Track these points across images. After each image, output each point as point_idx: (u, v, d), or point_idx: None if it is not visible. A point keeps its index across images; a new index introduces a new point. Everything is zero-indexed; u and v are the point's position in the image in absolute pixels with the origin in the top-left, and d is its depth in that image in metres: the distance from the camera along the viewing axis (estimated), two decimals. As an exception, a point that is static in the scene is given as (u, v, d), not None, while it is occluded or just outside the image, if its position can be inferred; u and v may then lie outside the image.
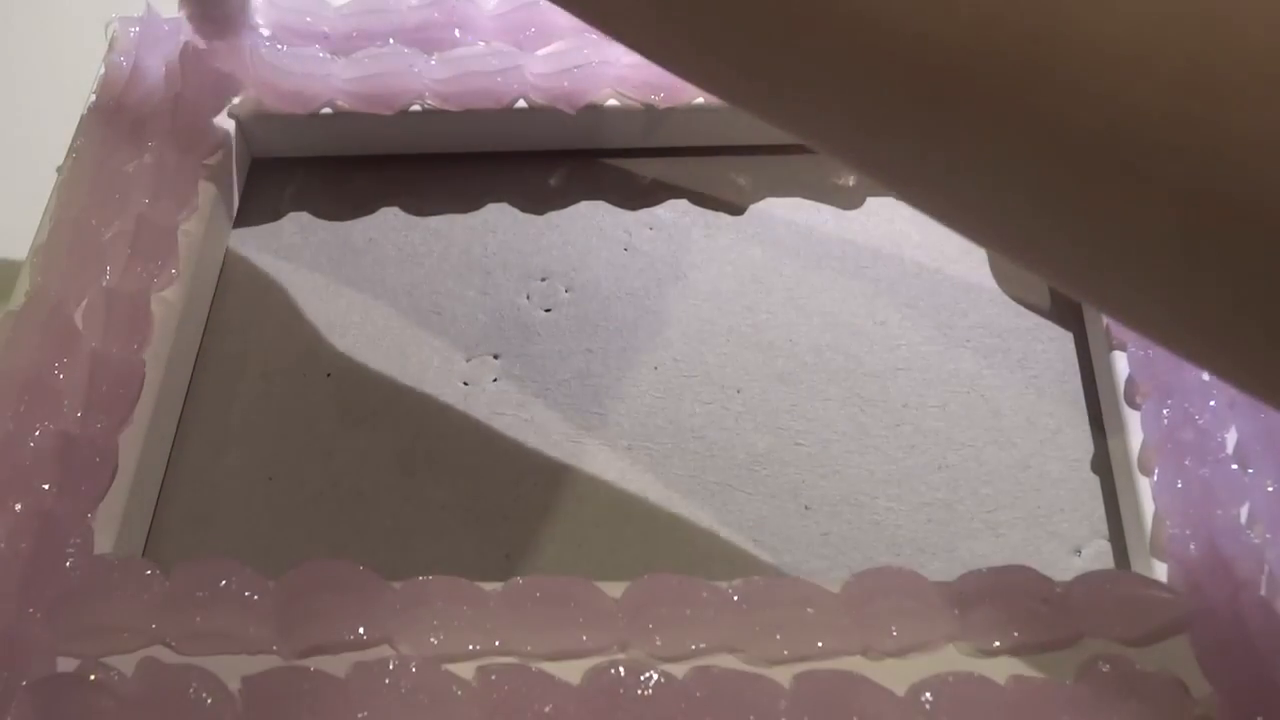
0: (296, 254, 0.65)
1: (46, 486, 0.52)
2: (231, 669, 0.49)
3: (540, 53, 0.65)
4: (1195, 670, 0.46)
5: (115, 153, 0.63)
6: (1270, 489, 0.49)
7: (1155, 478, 0.51)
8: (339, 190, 0.67)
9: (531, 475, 0.57)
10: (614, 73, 0.64)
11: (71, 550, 0.50)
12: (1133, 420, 0.53)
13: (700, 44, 0.34)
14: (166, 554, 0.55)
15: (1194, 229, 0.27)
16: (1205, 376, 0.52)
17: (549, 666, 0.47)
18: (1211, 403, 0.51)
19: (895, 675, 0.47)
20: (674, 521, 0.55)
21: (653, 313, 0.61)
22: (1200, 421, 0.51)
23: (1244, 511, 0.49)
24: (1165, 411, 0.51)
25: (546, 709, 0.46)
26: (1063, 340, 0.59)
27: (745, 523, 0.55)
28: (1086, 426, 0.56)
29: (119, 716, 0.46)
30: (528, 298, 0.62)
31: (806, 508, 0.55)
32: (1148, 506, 0.51)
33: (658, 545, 0.54)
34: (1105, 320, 0.55)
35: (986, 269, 0.61)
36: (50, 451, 0.53)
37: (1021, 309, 0.60)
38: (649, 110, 0.64)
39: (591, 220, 0.65)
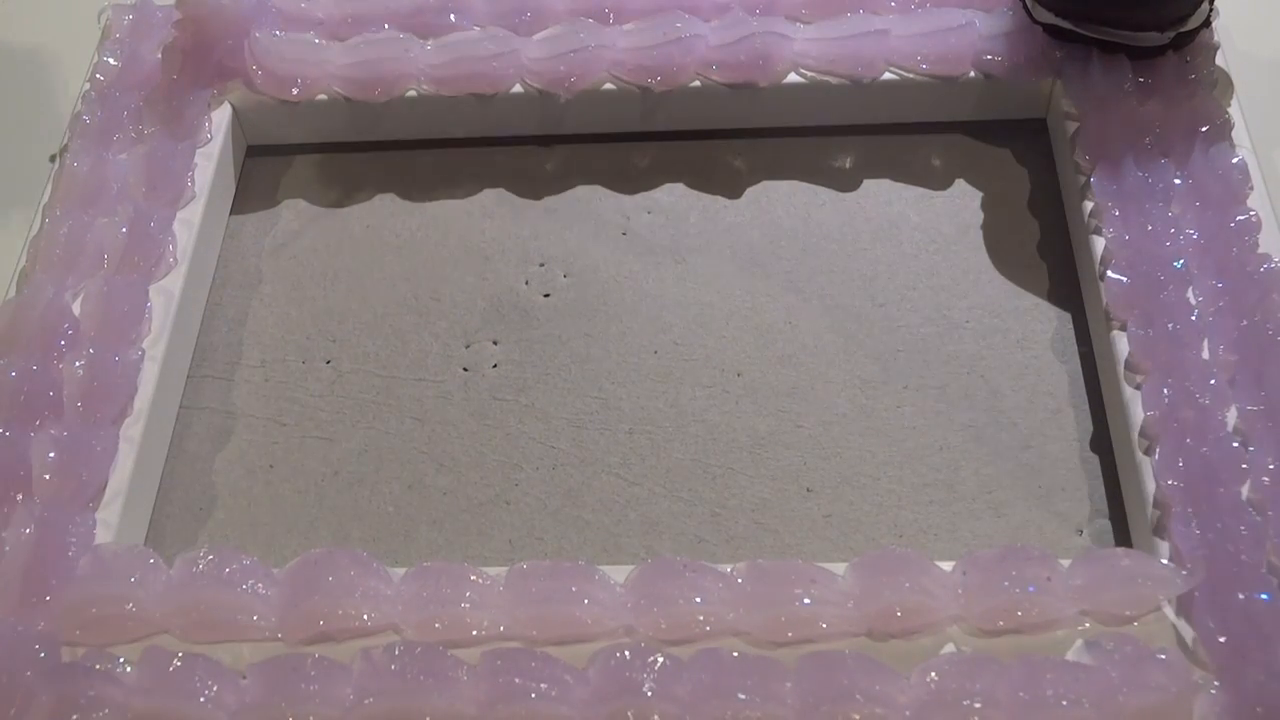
0: (294, 241, 0.65)
1: (48, 477, 0.52)
2: (236, 657, 0.49)
3: (536, 37, 0.65)
4: (1198, 647, 0.46)
5: (110, 142, 0.63)
6: (1271, 466, 0.49)
7: (1156, 457, 0.51)
8: (336, 177, 0.67)
9: (533, 460, 0.57)
10: (610, 57, 0.64)
11: (73, 540, 0.51)
12: (1133, 399, 0.53)
13: None
14: (168, 543, 0.55)
15: None
16: (1205, 355, 0.53)
17: (553, 651, 0.48)
18: (1212, 381, 0.52)
19: (899, 656, 0.47)
20: (676, 505, 0.55)
21: (652, 297, 0.61)
22: (1201, 400, 0.51)
23: (1245, 489, 0.49)
24: (1166, 390, 0.52)
25: (551, 693, 0.46)
26: (1062, 320, 0.59)
27: (747, 505, 0.55)
28: (1087, 406, 0.56)
29: (124, 705, 0.47)
30: (526, 283, 0.63)
31: (808, 490, 0.55)
32: (1149, 485, 0.51)
33: (660, 529, 0.55)
34: (1105, 299, 0.55)
35: (987, 249, 0.62)
36: (50, 443, 0.53)
37: (1021, 290, 0.60)
38: (645, 94, 0.64)
39: (589, 205, 0.65)
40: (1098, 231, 0.57)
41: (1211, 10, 0.60)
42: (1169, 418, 0.51)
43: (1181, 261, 0.55)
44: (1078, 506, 0.54)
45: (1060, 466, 0.55)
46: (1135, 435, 0.52)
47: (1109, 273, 0.56)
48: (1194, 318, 0.53)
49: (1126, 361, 0.54)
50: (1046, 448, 0.56)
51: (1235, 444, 0.50)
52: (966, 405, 0.57)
